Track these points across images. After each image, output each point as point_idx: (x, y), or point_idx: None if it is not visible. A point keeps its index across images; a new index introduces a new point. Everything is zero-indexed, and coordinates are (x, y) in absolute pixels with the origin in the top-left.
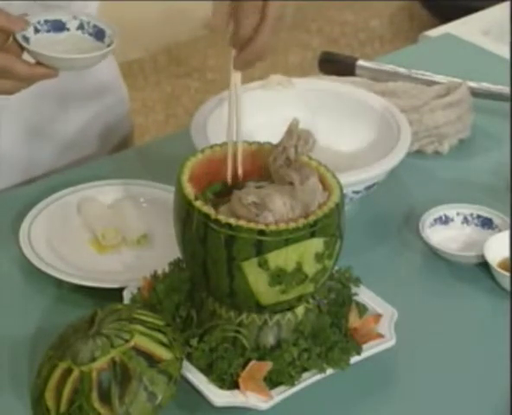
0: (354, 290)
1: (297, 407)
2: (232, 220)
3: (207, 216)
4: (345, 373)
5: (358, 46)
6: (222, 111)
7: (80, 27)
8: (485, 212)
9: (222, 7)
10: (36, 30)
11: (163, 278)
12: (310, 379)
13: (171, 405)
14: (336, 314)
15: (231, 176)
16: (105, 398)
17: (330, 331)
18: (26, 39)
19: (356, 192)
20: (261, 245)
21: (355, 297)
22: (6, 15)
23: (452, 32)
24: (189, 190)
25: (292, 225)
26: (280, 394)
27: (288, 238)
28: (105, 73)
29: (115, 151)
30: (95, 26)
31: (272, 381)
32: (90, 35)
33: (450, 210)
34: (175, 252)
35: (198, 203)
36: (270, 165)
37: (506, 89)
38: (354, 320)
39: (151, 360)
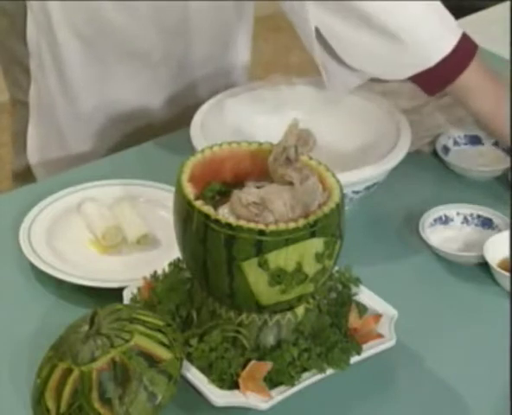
0: (354, 290)
1: (297, 407)
2: (232, 220)
3: (207, 216)
4: (345, 373)
5: None
6: (222, 111)
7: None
8: (485, 212)
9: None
10: None
11: (162, 278)
12: (310, 379)
13: (171, 405)
14: (336, 314)
15: (231, 176)
16: (105, 398)
17: (330, 331)
18: None
19: (356, 192)
20: (261, 245)
21: (355, 297)
22: None
23: None
24: (189, 190)
25: (292, 225)
26: (280, 394)
27: (288, 238)
28: None
29: None
30: None
31: (272, 381)
32: None
33: (450, 210)
34: (175, 252)
35: (198, 203)
36: (270, 165)
37: None
38: (354, 320)
39: (151, 360)
